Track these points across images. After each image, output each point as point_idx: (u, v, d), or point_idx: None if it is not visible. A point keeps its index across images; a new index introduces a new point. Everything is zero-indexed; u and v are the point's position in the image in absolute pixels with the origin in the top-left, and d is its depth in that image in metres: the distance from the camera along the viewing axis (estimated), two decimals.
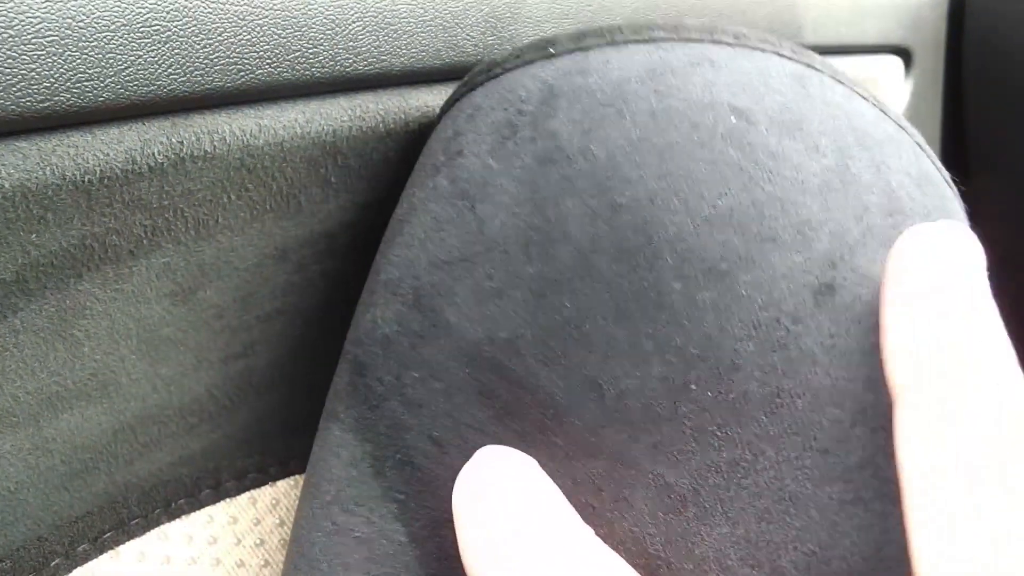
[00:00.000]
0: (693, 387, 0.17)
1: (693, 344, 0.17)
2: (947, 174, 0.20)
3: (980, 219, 0.21)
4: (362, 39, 0.22)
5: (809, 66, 0.19)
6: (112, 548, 0.26)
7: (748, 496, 0.17)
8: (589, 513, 0.17)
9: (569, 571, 0.15)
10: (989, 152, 0.56)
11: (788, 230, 0.17)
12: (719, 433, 0.17)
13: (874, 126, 0.19)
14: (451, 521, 0.17)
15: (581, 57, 0.18)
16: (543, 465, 0.17)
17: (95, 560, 0.26)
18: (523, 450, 0.17)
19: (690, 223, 0.16)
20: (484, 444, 0.18)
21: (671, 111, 0.17)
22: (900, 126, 0.19)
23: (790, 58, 0.19)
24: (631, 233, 0.17)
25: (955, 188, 0.20)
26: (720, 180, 0.17)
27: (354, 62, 0.22)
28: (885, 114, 0.19)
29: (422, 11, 0.23)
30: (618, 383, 0.17)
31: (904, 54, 0.49)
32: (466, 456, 0.17)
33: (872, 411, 0.17)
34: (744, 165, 0.17)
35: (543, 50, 0.19)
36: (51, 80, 0.18)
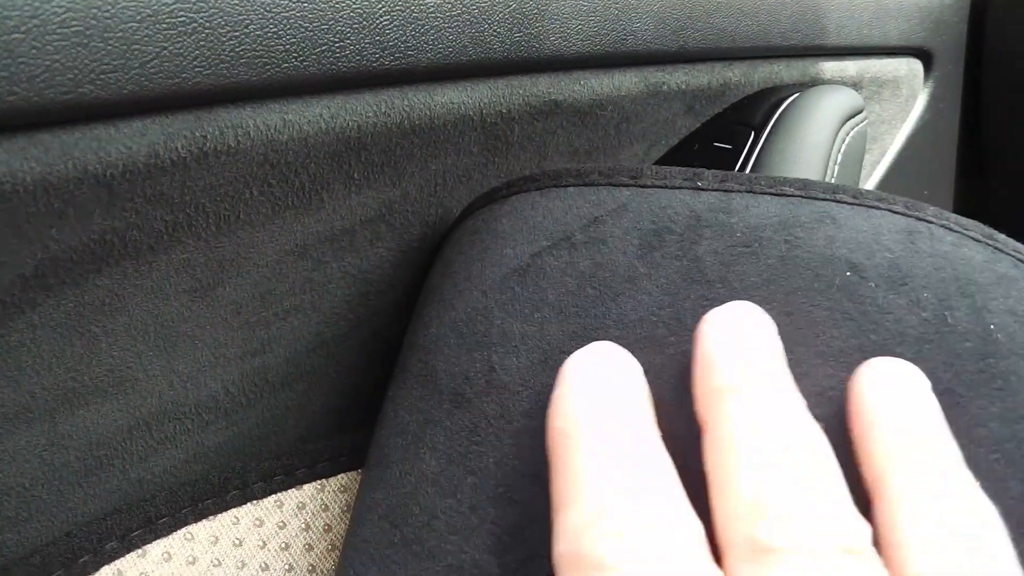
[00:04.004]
0: None
1: None
2: None
3: (994, 218, 0.22)
4: (389, 33, 0.22)
5: (920, 219, 0.21)
6: (139, 547, 0.25)
7: None
8: None
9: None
10: (1006, 153, 0.55)
11: None
12: None
13: (981, 271, 0.21)
14: (545, 557, 0.17)
15: (724, 197, 0.22)
16: None
17: (122, 559, 0.25)
18: None
19: (807, 354, 0.20)
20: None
21: (798, 260, 0.20)
22: (1020, 261, 0.21)
23: (902, 214, 0.21)
24: None
25: None
26: (834, 325, 0.20)
27: (381, 56, 0.22)
28: (1001, 252, 0.21)
29: (449, 6, 0.23)
30: None
31: (925, 56, 0.48)
32: None
33: None
34: (855, 315, 0.20)
35: (691, 181, 0.22)
36: (75, 71, 0.17)
